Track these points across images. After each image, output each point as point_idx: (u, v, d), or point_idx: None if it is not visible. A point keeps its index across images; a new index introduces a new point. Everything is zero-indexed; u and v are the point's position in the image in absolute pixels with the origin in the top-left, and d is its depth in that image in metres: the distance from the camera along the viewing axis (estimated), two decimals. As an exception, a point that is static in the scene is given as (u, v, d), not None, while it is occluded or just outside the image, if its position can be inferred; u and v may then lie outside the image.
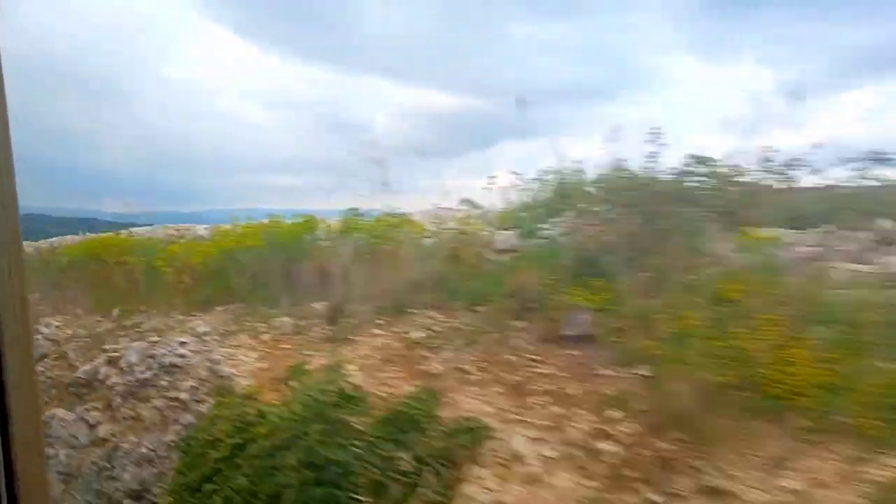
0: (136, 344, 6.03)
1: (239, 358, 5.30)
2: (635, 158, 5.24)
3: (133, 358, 5.87)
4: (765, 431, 3.66)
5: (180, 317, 6.39)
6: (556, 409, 4.13)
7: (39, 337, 6.59)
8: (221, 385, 5.14)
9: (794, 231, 4.96)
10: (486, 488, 4.12)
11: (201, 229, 9.12)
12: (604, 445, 3.94)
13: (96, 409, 5.91)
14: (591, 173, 5.82)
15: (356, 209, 6.62)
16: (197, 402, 5.25)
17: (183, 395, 5.35)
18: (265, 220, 7.46)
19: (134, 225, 10.64)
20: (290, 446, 4.37)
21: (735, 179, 5.34)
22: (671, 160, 5.37)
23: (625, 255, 4.65)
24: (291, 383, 4.91)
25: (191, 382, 5.36)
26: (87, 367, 6.11)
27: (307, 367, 4.96)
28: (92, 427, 5.85)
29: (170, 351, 5.66)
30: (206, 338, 5.66)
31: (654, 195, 5.01)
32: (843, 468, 3.42)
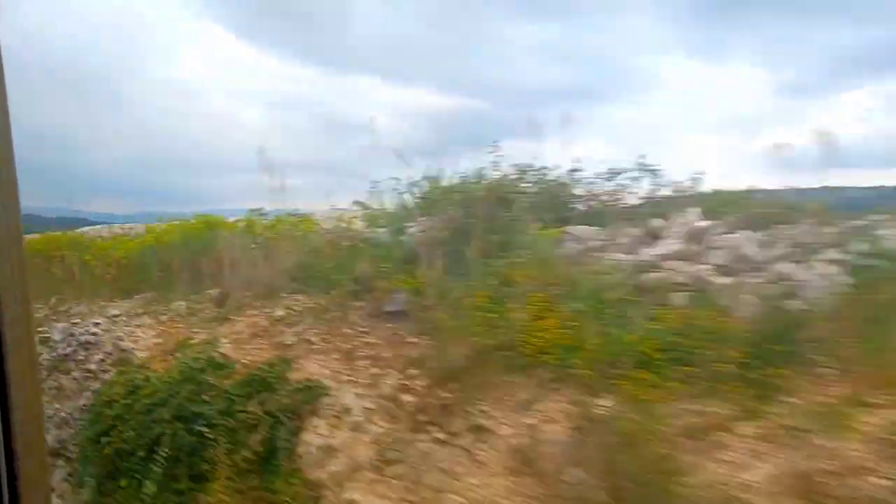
0: (60, 325, 7.00)
1: (139, 335, 6.29)
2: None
3: (57, 336, 6.83)
4: (518, 382, 4.70)
5: (102, 303, 7.36)
6: (374, 370, 5.16)
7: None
8: (122, 357, 6.12)
9: (594, 228, 5.99)
10: (321, 434, 5.14)
11: (142, 227, 10.09)
12: (405, 397, 4.97)
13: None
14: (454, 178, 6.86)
15: (260, 209, 7.62)
16: (103, 371, 6.23)
17: (93, 367, 6.33)
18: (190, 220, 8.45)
19: (114, 223, 11.45)
20: (165, 403, 5.37)
21: (552, 186, 6.39)
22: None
23: (447, 249, 5.68)
24: (177, 354, 5.90)
25: (100, 356, 6.34)
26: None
27: (191, 341, 5.96)
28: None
29: (86, 330, 6.64)
30: (117, 319, 6.65)
31: (482, 199, 6.03)
32: (567, 408, 4.45)
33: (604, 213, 6.19)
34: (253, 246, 6.80)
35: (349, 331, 5.45)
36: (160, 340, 6.19)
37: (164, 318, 6.50)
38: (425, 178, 6.91)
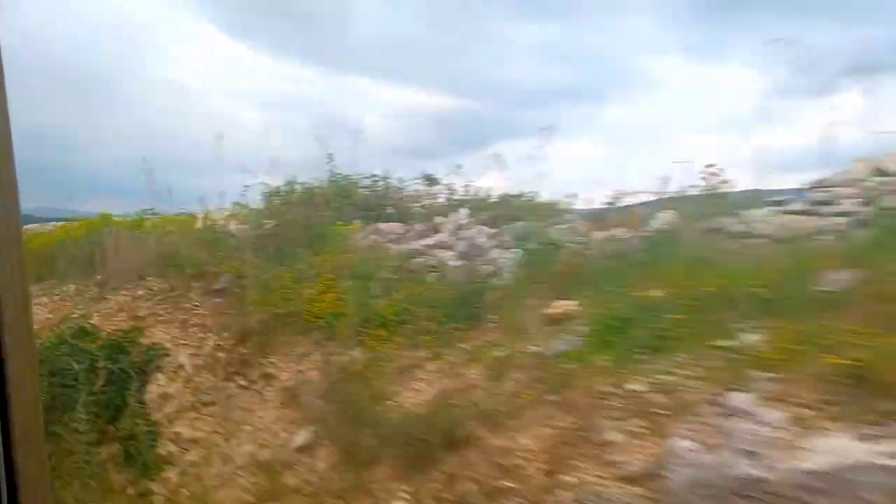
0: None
1: (36, 312, 7.73)
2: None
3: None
4: (298, 341, 6.18)
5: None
6: (201, 335, 6.64)
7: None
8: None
9: (397, 225, 7.47)
10: (160, 385, 6.60)
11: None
12: (220, 354, 6.45)
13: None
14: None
15: (150, 209, 9.07)
16: (4, 342, 7.65)
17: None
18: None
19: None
20: (42, 362, 6.82)
21: (377, 191, 7.88)
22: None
23: (275, 242, 7.15)
24: (61, 326, 7.35)
25: None
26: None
27: (72, 315, 7.41)
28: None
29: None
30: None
31: (308, 202, 7.52)
32: (327, 358, 5.93)
33: (409, 213, 7.68)
34: (134, 240, 8.25)
35: (187, 305, 6.92)
36: (51, 316, 7.63)
37: (57, 298, 7.94)
38: (288, 182, 8.39)
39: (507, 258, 5.86)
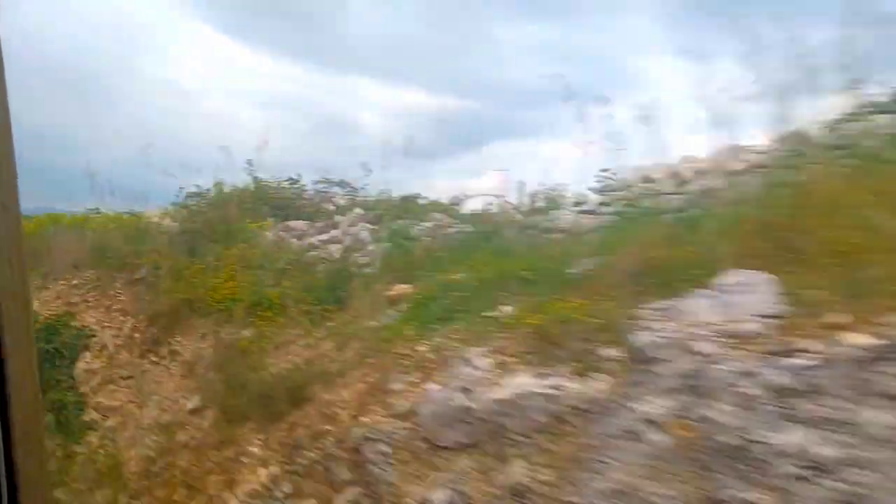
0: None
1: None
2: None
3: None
4: (202, 323, 7.17)
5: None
6: (122, 318, 7.63)
7: None
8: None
9: (305, 223, 8.48)
10: (87, 362, 7.59)
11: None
12: (136, 335, 7.44)
13: None
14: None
15: (97, 209, 10.06)
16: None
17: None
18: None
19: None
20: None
21: (292, 192, 8.88)
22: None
23: (195, 238, 8.15)
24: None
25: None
26: None
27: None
28: None
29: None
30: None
31: (227, 203, 8.52)
32: (222, 337, 6.91)
33: (319, 212, 8.69)
34: (77, 237, 9.24)
35: (112, 292, 7.92)
36: (-2, 304, 8.62)
37: (4, 288, 8.93)
38: (216, 184, 9.38)
39: (377, 251, 6.86)
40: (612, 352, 3.76)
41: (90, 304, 7.91)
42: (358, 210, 8.00)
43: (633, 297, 3.93)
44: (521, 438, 3.84)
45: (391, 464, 4.34)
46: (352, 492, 4.58)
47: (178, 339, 7.15)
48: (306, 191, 9.08)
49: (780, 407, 3.01)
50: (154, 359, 7.22)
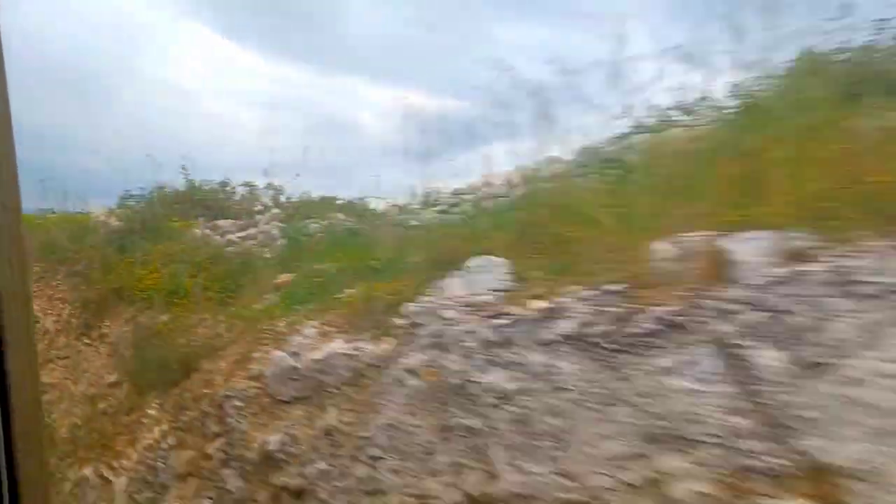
0: None
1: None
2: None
3: None
4: (127, 309, 8.15)
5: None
6: (61, 306, 8.62)
7: None
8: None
9: (230, 222, 9.46)
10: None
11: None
12: (73, 320, 8.42)
13: None
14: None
15: (50, 209, 11.04)
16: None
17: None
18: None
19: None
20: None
21: (222, 194, 9.87)
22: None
23: (130, 235, 9.14)
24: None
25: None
26: None
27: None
28: None
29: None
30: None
31: (157, 202, 9.51)
32: (143, 321, 7.89)
33: (246, 212, 9.69)
34: (31, 234, 10.20)
35: (54, 283, 8.91)
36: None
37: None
38: (156, 185, 10.37)
39: (281, 245, 7.86)
40: (400, 321, 4.75)
41: (35, 293, 8.88)
42: (275, 210, 8.99)
43: (426, 279, 4.93)
44: (335, 390, 4.85)
45: (244, 416, 5.35)
46: (220, 441, 5.58)
47: (107, 323, 8.13)
48: (236, 192, 10.07)
49: (487, 355, 4.01)
50: (87, 341, 8.20)
